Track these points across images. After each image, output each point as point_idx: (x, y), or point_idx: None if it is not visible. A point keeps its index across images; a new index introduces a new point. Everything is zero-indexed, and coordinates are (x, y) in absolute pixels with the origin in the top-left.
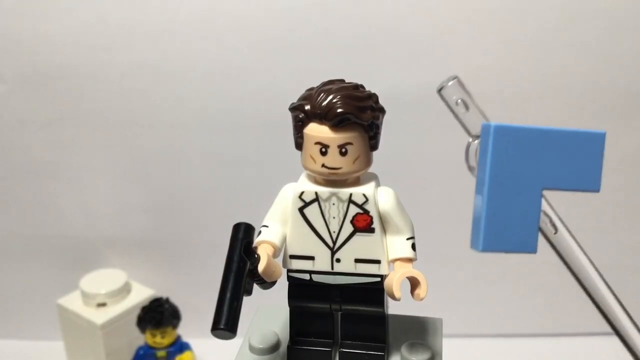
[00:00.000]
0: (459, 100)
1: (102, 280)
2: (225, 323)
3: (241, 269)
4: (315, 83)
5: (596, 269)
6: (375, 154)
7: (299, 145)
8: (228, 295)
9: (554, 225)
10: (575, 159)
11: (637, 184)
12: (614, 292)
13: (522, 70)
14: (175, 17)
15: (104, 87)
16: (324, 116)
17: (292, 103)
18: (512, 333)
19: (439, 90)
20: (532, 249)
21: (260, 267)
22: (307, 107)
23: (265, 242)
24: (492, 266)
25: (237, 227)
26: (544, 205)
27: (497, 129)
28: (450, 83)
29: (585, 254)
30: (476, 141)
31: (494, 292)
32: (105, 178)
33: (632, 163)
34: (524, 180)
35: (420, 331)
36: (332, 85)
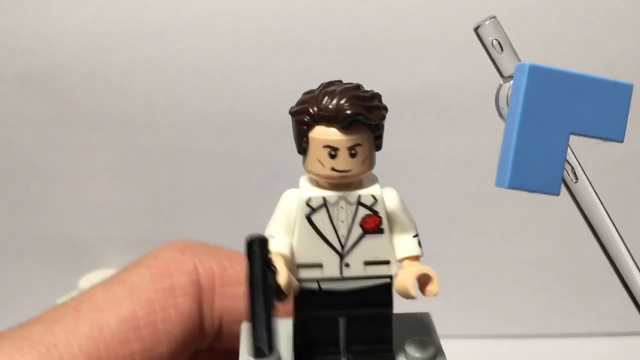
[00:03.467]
0: (494, 41)
1: (101, 280)
2: (269, 348)
3: (266, 285)
4: (315, 83)
5: (612, 221)
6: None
7: (303, 150)
8: (264, 316)
9: (575, 174)
10: (603, 107)
11: (637, 184)
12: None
13: None
14: (174, 16)
15: (103, 87)
16: (333, 118)
17: (292, 107)
18: (512, 334)
19: (476, 29)
20: (556, 191)
21: (282, 280)
22: (313, 110)
23: (277, 253)
24: (492, 266)
25: (251, 242)
26: (569, 154)
27: (532, 69)
28: (487, 22)
29: (603, 206)
30: (507, 83)
31: (494, 293)
32: (104, 178)
33: (632, 163)
34: (553, 122)
35: (414, 328)
36: (334, 87)
